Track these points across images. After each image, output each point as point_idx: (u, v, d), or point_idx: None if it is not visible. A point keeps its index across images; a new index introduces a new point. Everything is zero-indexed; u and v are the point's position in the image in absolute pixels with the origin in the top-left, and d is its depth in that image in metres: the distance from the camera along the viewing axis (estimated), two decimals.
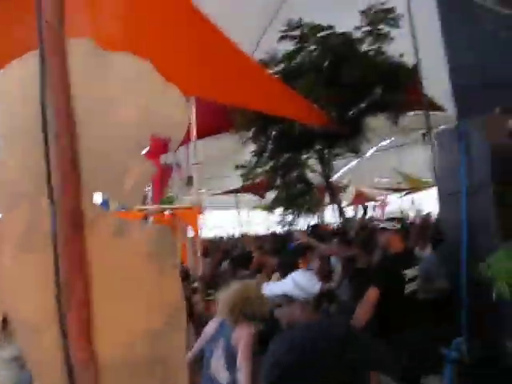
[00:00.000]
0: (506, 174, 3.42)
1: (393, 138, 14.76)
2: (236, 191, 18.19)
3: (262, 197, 19.30)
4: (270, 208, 10.34)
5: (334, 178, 10.24)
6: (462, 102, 4.15)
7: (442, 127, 4.28)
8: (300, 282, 2.73)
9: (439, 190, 4.37)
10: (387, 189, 24.58)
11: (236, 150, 13.13)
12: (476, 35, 4.01)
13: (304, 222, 14.34)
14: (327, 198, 13.55)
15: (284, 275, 4.44)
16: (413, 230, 8.43)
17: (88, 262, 1.40)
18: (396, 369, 2.84)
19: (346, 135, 8.78)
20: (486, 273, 2.16)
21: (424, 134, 8.14)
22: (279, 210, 10.38)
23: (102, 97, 1.51)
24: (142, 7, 3.75)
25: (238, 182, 14.96)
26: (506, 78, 3.71)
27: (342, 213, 10.62)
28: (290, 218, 9.90)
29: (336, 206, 10.62)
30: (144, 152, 1.56)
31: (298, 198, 9.18)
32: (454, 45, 4.19)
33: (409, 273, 4.31)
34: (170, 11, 4.08)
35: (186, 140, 7.69)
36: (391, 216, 7.31)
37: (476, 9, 3.94)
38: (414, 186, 21.65)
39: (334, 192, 10.52)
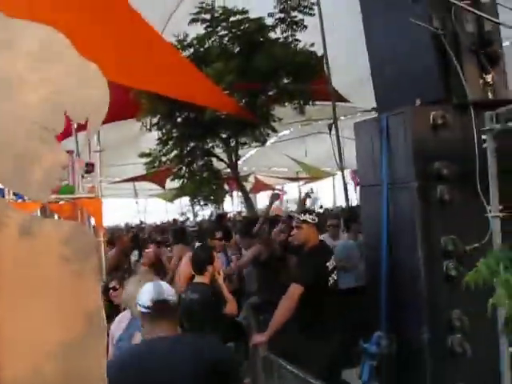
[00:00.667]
0: (428, 170, 3.43)
1: (292, 129, 15.09)
2: (134, 179, 17.69)
3: (162, 186, 19.01)
4: (174, 197, 10.07)
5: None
6: (382, 94, 4.16)
7: (361, 119, 4.24)
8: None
9: (360, 181, 4.36)
10: (285, 178, 25.14)
11: (135, 137, 12.78)
12: (394, 27, 3.99)
13: (206, 211, 14.33)
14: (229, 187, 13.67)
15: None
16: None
17: None
18: None
19: (253, 124, 8.74)
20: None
21: (330, 125, 8.38)
22: (181, 200, 10.26)
23: (2, 73, 1.27)
24: None
25: (136, 170, 14.61)
26: (422, 69, 3.72)
27: (248, 202, 10.60)
28: (196, 207, 9.73)
29: (241, 195, 10.63)
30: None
31: (205, 186, 8.98)
32: (374, 37, 4.18)
33: (328, 264, 4.28)
34: None
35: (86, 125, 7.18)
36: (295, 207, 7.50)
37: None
38: (313, 175, 22.35)
39: (240, 181, 10.49)
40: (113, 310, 4.48)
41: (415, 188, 3.47)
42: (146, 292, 2.51)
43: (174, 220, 18.41)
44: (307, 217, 4.31)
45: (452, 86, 3.57)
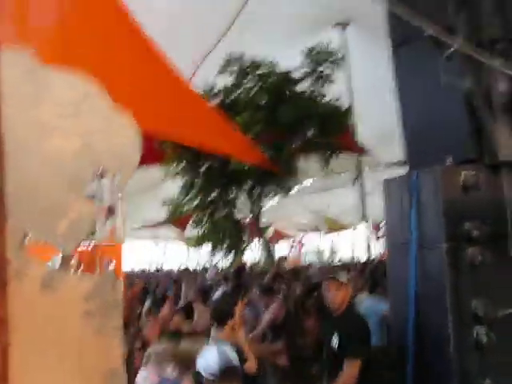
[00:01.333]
0: (458, 231, 3.34)
1: (315, 179, 15.10)
2: (156, 226, 17.76)
3: (183, 230, 19.01)
4: (197, 242, 10.00)
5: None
6: (412, 149, 4.12)
7: (392, 176, 4.17)
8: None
9: (388, 238, 4.26)
10: (304, 229, 25.09)
11: (156, 183, 12.89)
12: (426, 82, 3.99)
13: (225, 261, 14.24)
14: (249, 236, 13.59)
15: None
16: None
17: (9, 322, 1.17)
18: None
19: (278, 174, 8.73)
20: None
21: (355, 178, 8.37)
22: (204, 246, 10.22)
23: (35, 122, 1.26)
24: (81, 20, 3.41)
25: (157, 214, 14.63)
26: (454, 126, 3.69)
27: (267, 252, 10.50)
28: (216, 256, 9.67)
29: (262, 245, 10.58)
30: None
31: (227, 237, 8.90)
32: (405, 92, 4.18)
33: None
34: (110, 29, 3.78)
35: None
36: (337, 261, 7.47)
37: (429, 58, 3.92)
38: (331, 227, 22.22)
39: (261, 231, 10.41)
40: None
41: (445, 249, 3.38)
42: (211, 358, 2.46)
43: (187, 269, 18.24)
44: (344, 278, 4.10)
45: (484, 145, 3.53)
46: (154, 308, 8.03)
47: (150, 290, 9.10)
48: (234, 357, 2.47)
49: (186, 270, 17.84)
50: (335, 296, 3.90)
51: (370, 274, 7.21)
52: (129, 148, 1.39)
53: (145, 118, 4.86)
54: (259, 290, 6.40)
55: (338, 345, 3.65)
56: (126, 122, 1.34)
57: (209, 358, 2.48)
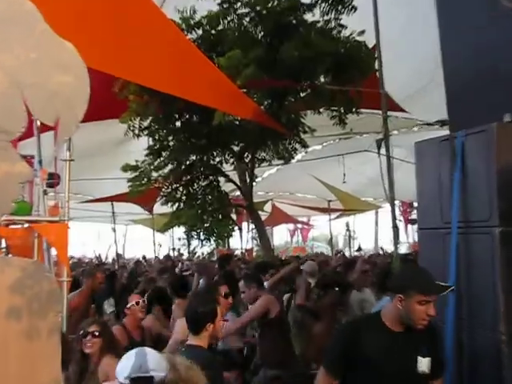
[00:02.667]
0: None
1: (327, 142, 15.07)
2: (113, 199, 17.74)
3: (149, 210, 19.00)
4: (166, 226, 10.01)
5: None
6: (457, 106, 4.09)
7: (419, 135, 4.16)
8: None
9: (421, 220, 4.26)
10: (313, 208, 25.04)
11: (117, 145, 12.84)
12: (476, 21, 3.97)
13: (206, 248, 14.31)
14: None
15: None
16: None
17: None
18: None
19: (276, 134, 8.71)
20: None
21: (379, 141, 8.31)
22: (173, 231, 10.31)
23: None
24: None
25: (116, 188, 14.63)
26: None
27: (263, 238, 10.53)
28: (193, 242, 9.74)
29: (254, 229, 10.62)
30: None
31: (208, 215, 8.93)
32: (449, 33, 4.17)
33: None
34: None
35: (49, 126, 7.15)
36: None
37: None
38: (351, 207, 22.27)
39: (254, 210, 10.42)
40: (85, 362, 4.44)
41: (498, 234, 3.37)
42: (124, 363, 2.52)
43: (168, 257, 18.39)
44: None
45: None
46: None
47: (109, 283, 9.08)
48: (156, 366, 2.49)
49: (168, 258, 17.97)
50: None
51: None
52: (72, 90, 1.36)
53: (100, 55, 4.81)
54: (246, 280, 6.58)
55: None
56: (69, 56, 1.33)
57: (124, 363, 2.55)
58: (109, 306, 8.21)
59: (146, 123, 9.04)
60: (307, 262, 9.63)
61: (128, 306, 6.12)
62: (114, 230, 19.50)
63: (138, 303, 6.09)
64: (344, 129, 9.13)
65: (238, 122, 8.89)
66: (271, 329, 6.04)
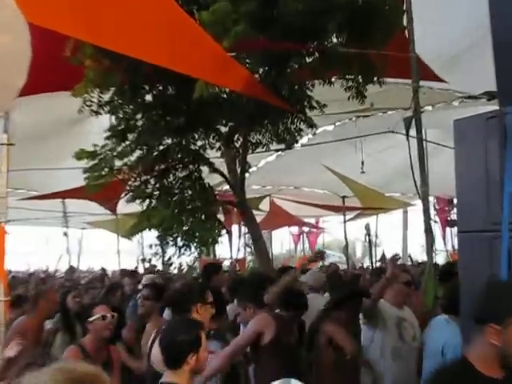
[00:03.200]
0: None
1: (341, 121, 15.07)
2: (65, 195, 17.75)
3: (112, 210, 18.94)
4: (134, 230, 10.01)
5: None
6: (509, 80, 4.10)
7: (461, 112, 4.18)
8: None
9: (460, 222, 4.28)
10: (323, 206, 25.07)
11: (71, 124, 12.82)
12: None
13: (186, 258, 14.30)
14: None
15: None
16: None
17: None
18: None
19: (274, 112, 8.71)
20: None
21: (407, 120, 8.33)
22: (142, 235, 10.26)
23: None
24: None
25: (69, 181, 14.59)
26: None
27: (257, 243, 10.53)
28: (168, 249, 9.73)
29: (247, 232, 10.64)
30: None
31: (188, 215, 8.96)
32: (502, 5, 4.17)
33: None
34: None
35: None
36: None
37: None
38: (370, 205, 22.26)
39: (247, 208, 10.43)
40: None
41: None
42: None
43: (133, 272, 18.39)
44: None
45: None
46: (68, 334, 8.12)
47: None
48: None
49: (123, 271, 17.95)
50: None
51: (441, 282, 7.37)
52: (10, 51, 1.38)
53: (42, 6, 4.80)
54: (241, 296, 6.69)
55: None
56: (8, 12, 1.37)
57: None
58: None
59: (106, 97, 8.99)
60: (310, 272, 9.67)
61: (91, 319, 6.10)
62: (67, 234, 19.55)
63: (104, 317, 6.11)
64: (363, 104, 9.13)
65: (225, 96, 8.90)
66: (267, 357, 6.12)
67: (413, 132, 7.56)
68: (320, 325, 6.72)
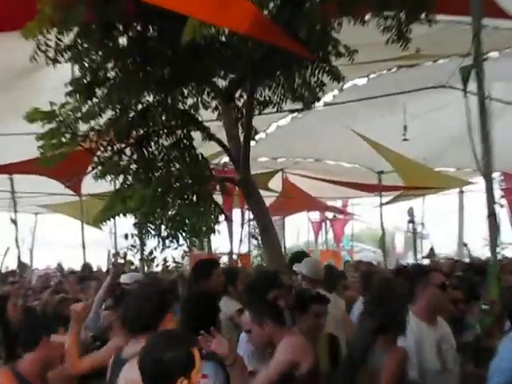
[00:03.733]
0: None
1: (383, 72, 15.03)
2: (12, 170, 17.78)
3: (75, 189, 18.99)
4: (104, 215, 10.01)
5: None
6: None
7: None
8: None
9: None
10: (353, 185, 25.08)
11: (19, 75, 12.82)
12: None
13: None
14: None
15: None
16: None
17: None
18: None
19: (287, 60, 8.69)
20: None
21: (465, 70, 8.32)
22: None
23: None
24: None
25: (20, 149, 14.57)
26: None
27: (266, 232, 10.54)
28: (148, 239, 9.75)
29: (252, 219, 10.66)
30: None
31: (175, 197, 9.00)
32: None
33: None
34: None
35: None
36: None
37: None
38: (415, 183, 22.22)
39: (253, 186, 10.42)
40: None
41: None
42: None
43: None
44: None
45: None
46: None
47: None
48: None
49: (86, 267, 17.94)
50: None
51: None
52: None
53: None
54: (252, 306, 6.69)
55: None
56: None
57: None
58: None
59: (68, 39, 8.91)
60: (306, 260, 9.68)
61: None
62: (15, 221, 19.56)
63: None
64: (406, 49, 9.10)
65: (224, 39, 8.90)
66: None
67: (472, 86, 7.52)
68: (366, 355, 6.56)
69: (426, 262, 20.36)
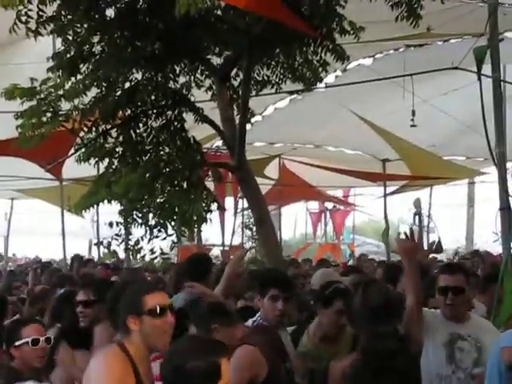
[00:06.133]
0: None
1: (390, 52, 15.02)
2: None
3: (55, 173, 18.97)
4: (86, 202, 10.00)
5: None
6: None
7: None
8: None
9: None
10: (354, 172, 25.07)
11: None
12: None
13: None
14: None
15: None
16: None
17: None
18: None
19: (294, 36, 8.69)
20: None
21: (480, 51, 8.33)
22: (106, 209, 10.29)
23: None
24: None
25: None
26: None
27: (264, 224, 10.54)
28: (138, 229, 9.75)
29: (247, 208, 10.64)
30: None
31: (164, 182, 8.96)
32: None
33: None
34: None
35: None
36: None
37: None
38: (422, 172, 22.22)
39: (249, 171, 10.42)
40: None
41: None
42: None
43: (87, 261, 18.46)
44: None
45: None
46: None
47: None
48: None
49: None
50: None
51: None
52: None
53: None
54: None
55: None
56: None
57: None
58: None
59: (50, 10, 8.89)
60: (321, 272, 9.64)
61: (18, 343, 6.05)
62: None
63: (36, 341, 6.07)
64: (416, 27, 9.10)
65: (220, 13, 8.90)
66: None
67: (487, 69, 7.53)
68: None
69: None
